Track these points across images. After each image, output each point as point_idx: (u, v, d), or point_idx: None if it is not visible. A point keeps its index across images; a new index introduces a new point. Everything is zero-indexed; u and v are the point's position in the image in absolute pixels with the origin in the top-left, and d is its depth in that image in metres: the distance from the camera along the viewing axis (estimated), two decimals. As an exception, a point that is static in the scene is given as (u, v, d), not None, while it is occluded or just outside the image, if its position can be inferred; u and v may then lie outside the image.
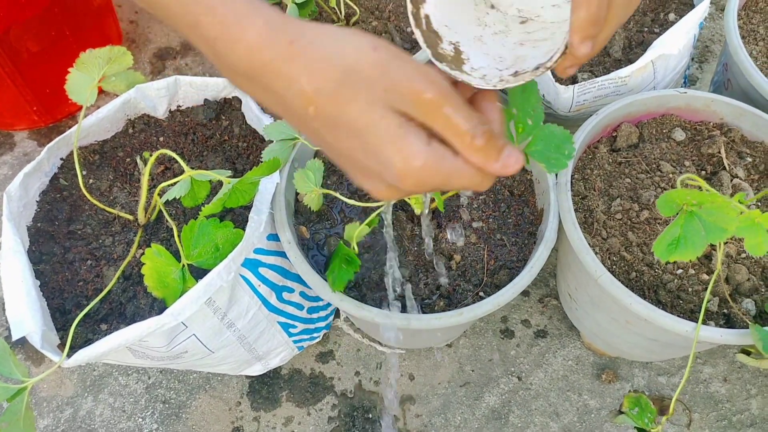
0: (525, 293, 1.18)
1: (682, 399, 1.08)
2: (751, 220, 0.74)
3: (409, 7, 0.52)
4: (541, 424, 1.06)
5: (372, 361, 1.12)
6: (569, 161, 0.69)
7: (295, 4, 0.99)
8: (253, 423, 1.07)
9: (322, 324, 1.10)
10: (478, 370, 1.11)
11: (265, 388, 1.09)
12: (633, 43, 1.13)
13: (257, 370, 1.06)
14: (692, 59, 1.48)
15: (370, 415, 1.07)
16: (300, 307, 1.01)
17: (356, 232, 0.83)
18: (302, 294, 1.00)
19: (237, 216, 0.93)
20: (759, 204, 0.94)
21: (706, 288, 0.87)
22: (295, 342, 1.05)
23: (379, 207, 0.84)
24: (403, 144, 0.44)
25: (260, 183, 0.89)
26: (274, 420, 1.07)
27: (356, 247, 0.85)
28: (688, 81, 1.39)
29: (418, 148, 0.45)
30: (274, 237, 0.90)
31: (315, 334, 1.10)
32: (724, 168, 0.96)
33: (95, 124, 0.98)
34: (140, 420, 1.07)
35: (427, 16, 0.52)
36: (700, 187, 0.86)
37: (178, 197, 0.83)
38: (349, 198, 0.92)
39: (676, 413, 1.07)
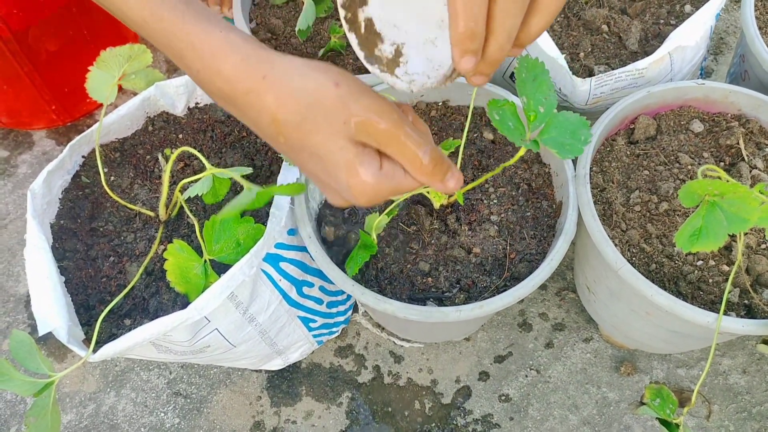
0: (542, 287, 1.18)
1: (702, 391, 1.08)
2: (773, 210, 0.74)
3: (342, 13, 0.53)
4: (561, 416, 1.07)
5: (391, 355, 1.13)
6: (585, 146, 0.69)
7: (312, 0, 1.00)
8: (273, 417, 1.08)
9: (341, 319, 1.10)
10: (496, 363, 1.11)
11: (285, 383, 1.10)
12: (649, 35, 1.12)
13: (277, 364, 1.07)
14: (708, 51, 1.48)
15: (390, 409, 1.08)
16: (319, 301, 1.01)
17: (376, 222, 0.84)
18: (322, 288, 1.01)
19: (257, 212, 0.93)
20: (778, 195, 0.94)
21: (727, 279, 0.87)
22: (314, 336, 1.05)
23: (396, 201, 0.84)
24: (357, 171, 0.52)
25: (280, 178, 0.90)
26: (295, 414, 1.08)
27: (375, 236, 0.85)
28: (704, 73, 1.38)
29: (371, 174, 0.52)
30: (294, 232, 0.91)
31: (334, 329, 1.10)
32: (743, 159, 0.96)
33: (116, 122, 0.99)
34: (162, 415, 1.09)
35: (368, 19, 0.52)
36: (720, 178, 0.87)
37: (199, 194, 0.84)
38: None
39: (696, 405, 1.07)
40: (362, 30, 0.53)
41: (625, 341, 1.09)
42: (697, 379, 1.09)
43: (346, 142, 0.51)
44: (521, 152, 0.75)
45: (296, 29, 0.99)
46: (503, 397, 1.09)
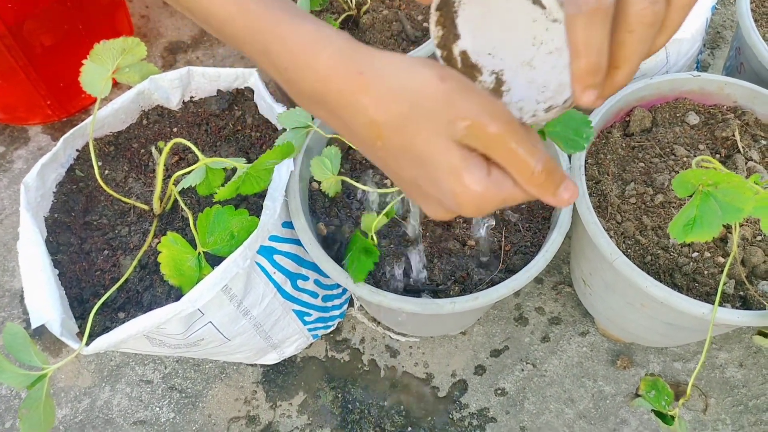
0: (538, 280, 1.18)
1: (698, 384, 1.08)
2: (767, 200, 0.73)
3: (438, 53, 0.50)
4: (557, 410, 1.06)
5: (386, 349, 1.13)
6: (587, 144, 0.69)
7: (307, -7, 1.00)
8: (269, 411, 1.08)
9: (337, 312, 1.10)
10: (492, 357, 1.11)
11: (280, 377, 1.10)
12: (645, 29, 1.12)
13: (272, 358, 1.07)
14: (704, 45, 1.47)
15: (385, 403, 1.08)
16: (315, 295, 1.01)
17: (374, 222, 0.83)
18: (317, 282, 1.01)
19: (251, 205, 0.93)
20: (774, 187, 0.94)
21: (722, 271, 0.86)
22: (309, 330, 1.05)
23: (393, 202, 0.84)
24: (464, 176, 0.46)
25: (274, 171, 0.90)
26: (290, 408, 1.08)
27: (375, 238, 0.85)
28: (700, 66, 1.38)
29: (478, 181, 0.46)
30: (288, 225, 0.90)
31: (329, 323, 1.10)
32: (739, 151, 0.96)
33: (110, 115, 0.99)
34: (157, 409, 1.08)
35: (463, 53, 0.50)
36: (715, 169, 0.86)
37: (193, 185, 0.84)
38: (364, 185, 0.92)
39: (692, 398, 1.06)
40: (459, 65, 0.51)
41: (621, 334, 1.09)
42: (694, 372, 1.09)
43: (451, 144, 0.46)
44: None
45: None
46: (499, 391, 1.08)
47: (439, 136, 0.45)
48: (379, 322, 1.14)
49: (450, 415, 1.07)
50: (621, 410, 1.06)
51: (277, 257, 0.90)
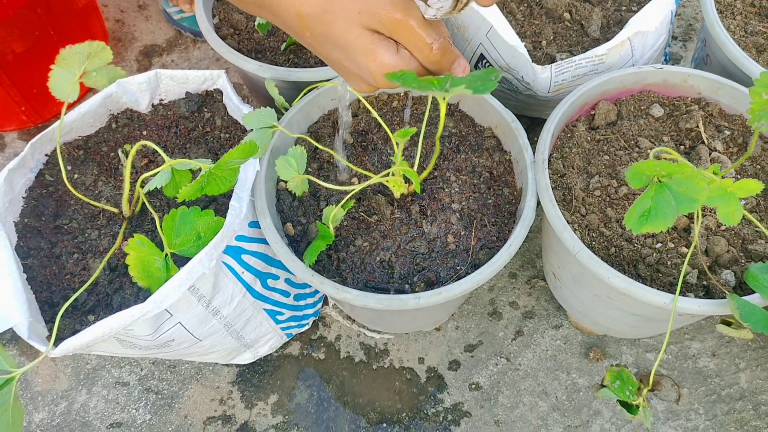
0: (512, 275, 1.19)
1: (671, 375, 1.09)
2: (723, 189, 0.74)
3: None
4: (530, 403, 1.07)
5: (361, 346, 1.13)
6: (497, 79, 0.69)
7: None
8: (244, 411, 1.08)
9: (311, 311, 1.11)
10: (466, 352, 1.12)
11: (256, 377, 1.11)
12: (611, 22, 1.13)
13: (247, 358, 1.07)
14: (674, 37, 1.48)
15: (361, 400, 1.08)
16: (286, 294, 1.02)
17: (332, 213, 0.84)
18: (288, 281, 1.01)
19: (219, 206, 0.94)
20: (738, 176, 0.95)
21: (685, 261, 0.87)
22: (283, 329, 1.06)
23: (353, 191, 0.85)
24: (377, 56, 0.59)
25: (240, 171, 0.90)
26: (265, 407, 1.08)
27: (332, 228, 0.85)
28: (670, 59, 1.39)
29: (389, 56, 0.59)
30: (256, 224, 0.91)
31: (303, 321, 1.11)
32: (703, 142, 0.97)
33: (77, 119, 1.00)
34: (134, 411, 1.09)
35: None
36: (675, 160, 0.87)
37: (159, 187, 0.85)
38: (329, 183, 0.92)
39: (665, 389, 1.07)
40: None
41: (593, 327, 1.10)
42: (667, 363, 1.10)
43: (363, 30, 0.58)
44: (443, 105, 0.75)
45: (256, 24, 0.99)
46: (474, 386, 1.09)
47: (353, 24, 0.58)
48: (353, 320, 1.15)
49: (425, 411, 1.07)
50: (594, 402, 1.07)
51: (245, 257, 0.91)
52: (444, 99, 0.72)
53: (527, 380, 1.09)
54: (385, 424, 1.06)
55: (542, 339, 1.13)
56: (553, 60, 1.09)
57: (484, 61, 1.11)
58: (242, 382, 1.11)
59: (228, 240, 0.86)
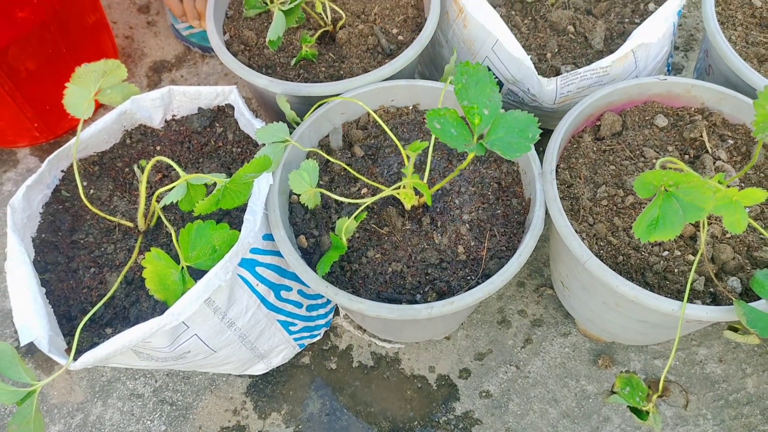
0: (520, 284, 1.20)
1: (679, 381, 1.10)
2: (728, 198, 0.76)
3: None
4: (540, 410, 1.08)
5: (372, 356, 1.15)
6: (532, 143, 0.71)
7: (282, 11, 1.02)
8: (258, 422, 1.10)
9: (322, 321, 1.12)
10: (476, 360, 1.13)
11: (269, 387, 1.12)
12: (614, 34, 1.15)
13: (260, 369, 1.09)
14: (676, 47, 1.50)
15: (372, 409, 1.10)
16: (299, 305, 1.03)
17: (345, 225, 0.86)
18: (300, 292, 1.03)
19: (233, 219, 0.96)
20: (743, 184, 0.96)
21: (692, 268, 0.89)
22: (295, 340, 1.07)
23: (365, 204, 0.86)
24: None
25: (254, 185, 0.92)
26: (279, 418, 1.10)
27: (344, 240, 0.87)
28: (672, 69, 1.41)
29: None
30: (269, 237, 0.93)
31: (316, 332, 1.12)
32: (707, 151, 0.99)
33: (93, 136, 1.02)
34: (149, 422, 1.10)
35: None
36: (681, 170, 0.89)
37: (174, 202, 0.87)
38: (340, 196, 0.94)
39: (674, 395, 1.08)
40: None
41: (601, 334, 1.11)
42: (674, 369, 1.11)
43: None
44: (470, 156, 0.77)
45: (267, 40, 1.01)
46: (484, 394, 1.10)
47: None
48: (364, 330, 1.16)
49: (436, 419, 1.08)
50: (604, 408, 1.08)
51: (259, 269, 0.92)
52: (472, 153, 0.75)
53: (537, 387, 1.11)
54: (397, 433, 1.08)
55: (551, 347, 1.14)
56: (557, 72, 1.11)
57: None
58: (255, 392, 1.12)
59: (243, 253, 0.87)
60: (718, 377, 1.10)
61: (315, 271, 0.88)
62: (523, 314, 1.17)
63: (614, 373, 1.11)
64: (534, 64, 1.12)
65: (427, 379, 1.12)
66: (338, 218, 0.94)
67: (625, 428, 1.06)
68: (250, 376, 1.13)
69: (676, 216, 0.74)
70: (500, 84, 1.14)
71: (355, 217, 0.87)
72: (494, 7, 1.19)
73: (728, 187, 0.88)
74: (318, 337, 1.14)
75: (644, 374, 1.11)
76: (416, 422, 1.08)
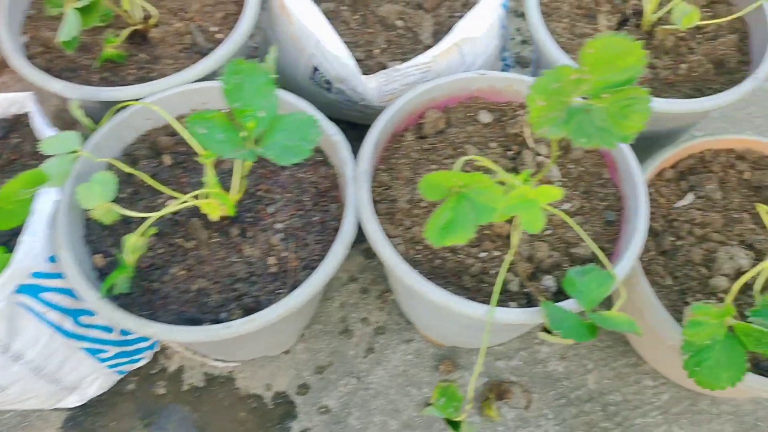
0: (364, 290, 1.15)
1: (522, 381, 1.08)
2: (524, 197, 0.73)
3: None
4: (381, 423, 1.04)
5: (205, 377, 1.07)
6: (312, 146, 0.66)
7: (77, 9, 0.93)
8: (78, 457, 1.00)
9: (144, 345, 1.04)
10: (316, 374, 1.08)
11: (88, 419, 1.03)
12: (445, 29, 1.11)
13: (74, 401, 0.99)
14: (524, 41, 1.49)
15: (203, 434, 1.02)
16: (108, 329, 0.95)
17: (130, 243, 0.78)
18: (108, 315, 0.94)
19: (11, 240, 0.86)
20: (565, 178, 0.94)
21: (510, 269, 0.86)
22: (111, 367, 0.98)
23: (153, 218, 0.78)
24: None
25: (34, 202, 0.83)
26: (102, 451, 1.01)
27: (131, 259, 0.79)
28: (521, 63, 1.40)
29: None
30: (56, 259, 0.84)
31: (137, 357, 1.03)
32: (528, 147, 0.96)
33: None
34: (-49, 469, 0.99)
35: None
36: (487, 168, 0.86)
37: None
38: (134, 210, 0.86)
39: (515, 396, 1.06)
40: None
41: (439, 339, 1.07)
42: (517, 370, 1.09)
43: None
44: (248, 163, 0.72)
45: (59, 41, 0.92)
46: (323, 409, 1.05)
47: None
48: (195, 350, 1.08)
49: (272, 440, 1.02)
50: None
51: (46, 295, 0.83)
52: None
53: (378, 399, 1.06)
54: (228, 459, 1.01)
55: (393, 355, 1.10)
56: (386, 69, 1.06)
57: (318, 72, 1.08)
58: (74, 426, 1.02)
59: (21, 278, 0.78)
60: (560, 375, 1.09)
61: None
62: (366, 322, 1.13)
63: (457, 378, 1.08)
64: (361, 61, 1.07)
65: (263, 398, 1.06)
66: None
67: (467, 434, 1.03)
68: (68, 409, 1.03)
69: (468, 218, 0.70)
70: (329, 84, 1.09)
71: (142, 233, 0.79)
72: (323, 2, 1.14)
73: (543, 183, 0.85)
74: (143, 362, 1.05)
75: (487, 377, 1.08)
76: (250, 445, 1.02)
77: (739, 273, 0.90)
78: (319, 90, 1.12)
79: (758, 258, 0.92)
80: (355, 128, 1.11)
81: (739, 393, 1.03)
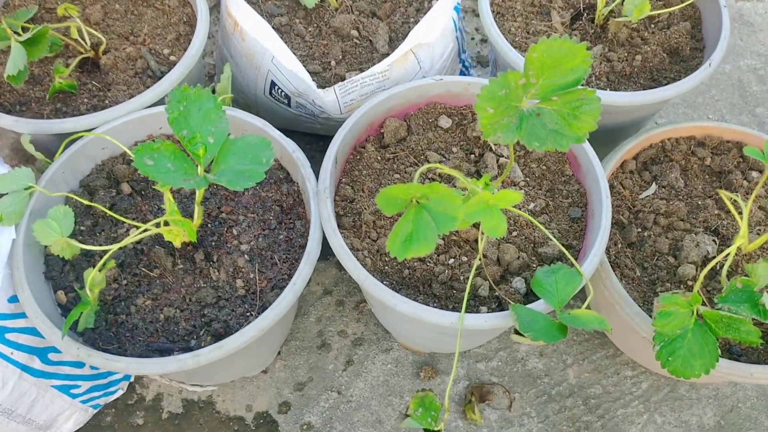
0: (340, 303, 1.15)
1: (503, 381, 1.08)
2: (484, 203, 0.73)
3: None
4: (364, 435, 1.03)
5: (183, 403, 1.06)
6: (266, 168, 0.66)
7: (20, 43, 0.91)
8: (58, 496, 0.99)
9: (119, 376, 1.02)
10: (296, 391, 1.07)
11: (67, 456, 1.01)
12: (400, 36, 1.11)
13: (50, 439, 0.98)
14: (484, 40, 1.49)
15: (184, 463, 1.01)
16: (79, 365, 0.93)
17: (90, 278, 0.77)
18: (77, 351, 0.92)
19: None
20: (527, 179, 0.94)
21: (479, 274, 0.86)
22: (84, 402, 0.97)
23: (111, 250, 0.77)
24: None
25: None
26: (83, 488, 0.99)
27: (93, 293, 0.78)
28: (472, 63, 1.40)
29: None
30: (17, 299, 0.82)
31: (112, 389, 1.02)
32: (490, 149, 0.96)
33: None
34: None
35: None
36: (448, 176, 0.85)
37: None
38: (97, 244, 0.85)
39: (497, 398, 1.06)
40: None
41: (417, 346, 1.07)
42: (497, 370, 1.09)
43: None
44: (200, 192, 0.71)
45: (5, 75, 0.90)
46: (306, 426, 1.04)
47: None
48: (172, 377, 1.07)
49: (256, 462, 1.01)
50: (429, 423, 1.04)
51: (10, 336, 0.82)
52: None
53: (360, 411, 1.05)
54: (212, 485, 0.99)
55: (373, 365, 1.09)
56: (343, 80, 1.05)
57: (277, 87, 1.07)
58: (52, 464, 1.01)
59: (-19, 322, 0.77)
60: (540, 372, 1.09)
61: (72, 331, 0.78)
62: (343, 335, 1.12)
63: (438, 383, 1.07)
64: (318, 73, 1.06)
65: (245, 420, 1.05)
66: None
67: (452, 440, 1.03)
68: (45, 448, 1.02)
69: (429, 229, 0.70)
70: (288, 98, 1.08)
71: (100, 268, 0.78)
72: (276, 16, 1.13)
73: (506, 187, 0.85)
74: (118, 393, 1.04)
75: (468, 379, 1.08)
76: (234, 469, 1.01)
77: (706, 260, 0.91)
78: (279, 105, 1.11)
79: (724, 243, 0.92)
80: (321, 140, 1.10)
81: (715, 378, 1.03)
